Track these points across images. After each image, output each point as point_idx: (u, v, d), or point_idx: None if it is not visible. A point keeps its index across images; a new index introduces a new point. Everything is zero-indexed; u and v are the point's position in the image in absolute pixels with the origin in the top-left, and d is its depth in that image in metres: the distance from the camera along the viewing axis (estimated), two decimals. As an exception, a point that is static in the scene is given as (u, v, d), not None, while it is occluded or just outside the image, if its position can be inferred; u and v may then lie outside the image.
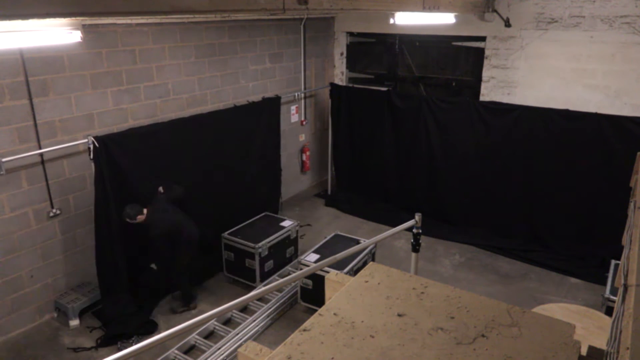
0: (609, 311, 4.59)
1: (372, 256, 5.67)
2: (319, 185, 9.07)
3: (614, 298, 4.67)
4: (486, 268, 6.38)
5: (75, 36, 2.89)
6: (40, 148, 4.70)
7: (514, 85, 6.93)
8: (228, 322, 5.24)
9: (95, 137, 5.03)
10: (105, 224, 5.07)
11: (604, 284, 5.21)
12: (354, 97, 7.96)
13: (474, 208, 7.15)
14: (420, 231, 4.23)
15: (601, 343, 1.89)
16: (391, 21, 5.45)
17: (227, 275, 5.98)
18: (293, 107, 8.10)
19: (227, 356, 4.65)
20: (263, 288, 3.04)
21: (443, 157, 7.24)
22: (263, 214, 6.48)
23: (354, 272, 5.20)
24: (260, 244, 5.64)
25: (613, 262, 5.33)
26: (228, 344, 4.77)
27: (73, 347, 4.78)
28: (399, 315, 2.01)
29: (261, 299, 5.39)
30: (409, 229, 4.22)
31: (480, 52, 7.17)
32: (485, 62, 7.11)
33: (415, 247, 4.26)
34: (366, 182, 8.20)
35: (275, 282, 3.74)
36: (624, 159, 5.55)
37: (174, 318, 5.31)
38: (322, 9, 3.48)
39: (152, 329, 5.09)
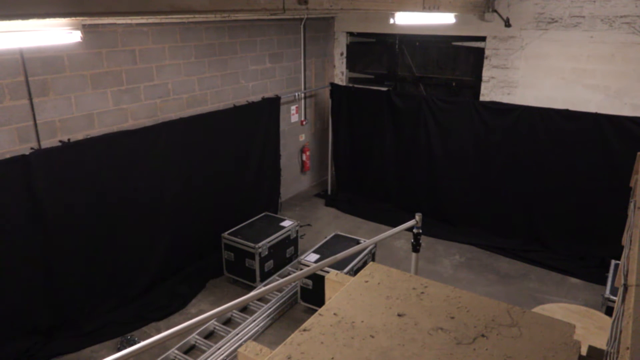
0: (609, 311, 4.59)
1: (372, 256, 5.67)
2: (319, 185, 9.07)
3: (614, 298, 4.67)
4: (486, 268, 6.38)
5: (75, 36, 2.90)
6: (40, 148, 4.70)
7: (514, 85, 6.93)
8: (228, 322, 5.24)
9: (96, 137, 5.06)
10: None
11: (604, 284, 5.21)
12: (354, 97, 7.96)
13: (474, 208, 7.15)
14: (421, 231, 4.23)
15: (601, 343, 1.89)
16: (391, 21, 5.45)
17: (227, 275, 5.98)
18: (293, 107, 8.11)
19: (227, 356, 4.65)
20: (263, 288, 3.04)
21: (443, 157, 7.24)
22: (263, 214, 6.49)
23: (354, 272, 5.20)
24: (260, 244, 5.64)
25: (613, 262, 5.33)
26: (228, 344, 4.77)
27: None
28: (399, 315, 2.01)
29: (261, 299, 5.39)
30: (409, 229, 4.22)
31: (480, 52, 7.17)
32: (485, 62, 7.12)
33: (416, 247, 4.26)
34: (366, 182, 8.20)
35: (275, 282, 3.74)
36: (624, 159, 5.56)
37: (174, 318, 5.32)
38: (322, 9, 3.48)
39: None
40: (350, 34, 8.62)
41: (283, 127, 7.74)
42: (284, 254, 6.09)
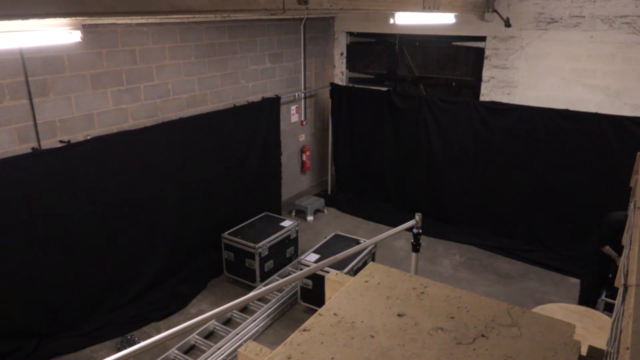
0: (607, 307, 4.62)
1: (372, 256, 5.67)
2: (319, 185, 9.07)
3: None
4: (486, 268, 6.38)
5: (75, 36, 2.89)
6: (40, 148, 4.70)
7: (514, 85, 6.93)
8: (228, 322, 5.24)
9: (96, 137, 5.06)
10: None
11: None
12: (354, 97, 7.96)
13: (474, 208, 7.15)
14: (421, 231, 4.23)
15: (601, 343, 1.89)
16: (391, 21, 5.45)
17: (227, 275, 5.98)
18: (293, 107, 8.10)
19: (227, 356, 4.65)
20: (263, 288, 3.04)
21: (443, 157, 7.24)
22: (263, 214, 6.49)
23: (354, 272, 5.20)
24: (260, 244, 5.64)
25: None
26: (228, 344, 4.77)
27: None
28: (399, 315, 2.01)
29: (261, 299, 5.39)
30: (409, 229, 4.22)
31: (480, 52, 7.17)
32: (485, 62, 7.11)
33: (416, 247, 4.26)
34: (366, 182, 8.20)
35: (276, 282, 3.75)
36: (624, 159, 5.55)
37: (174, 318, 5.32)
38: (322, 9, 3.48)
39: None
40: (350, 34, 8.62)
41: (283, 127, 7.73)
42: (284, 254, 6.09)
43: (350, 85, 8.53)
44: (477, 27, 7.04)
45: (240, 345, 4.34)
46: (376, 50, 8.53)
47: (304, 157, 8.59)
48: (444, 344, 1.83)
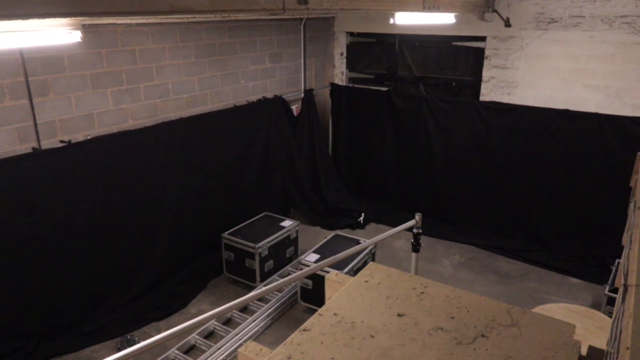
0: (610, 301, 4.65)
1: (372, 256, 5.67)
2: (319, 185, 9.05)
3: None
4: (486, 268, 6.38)
5: (75, 36, 2.89)
6: (40, 148, 4.70)
7: (514, 85, 6.93)
8: (228, 322, 5.24)
9: (96, 137, 5.06)
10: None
11: (604, 283, 5.20)
12: (354, 97, 7.96)
13: (474, 208, 7.15)
14: (421, 231, 4.23)
15: (601, 343, 1.89)
16: (391, 21, 5.45)
17: (227, 275, 5.98)
18: (293, 107, 8.09)
19: (227, 356, 4.65)
20: (263, 288, 3.04)
21: (443, 157, 7.24)
22: (263, 214, 6.48)
23: (354, 272, 5.20)
24: (260, 244, 5.64)
25: (617, 261, 5.32)
26: (228, 344, 4.77)
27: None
28: (399, 315, 2.01)
29: (261, 299, 5.39)
30: (409, 229, 4.22)
31: (480, 52, 7.16)
32: (485, 62, 7.11)
33: (416, 247, 4.26)
34: (366, 182, 8.20)
35: (276, 282, 3.75)
36: (624, 159, 5.56)
37: (174, 318, 5.32)
38: (322, 9, 3.48)
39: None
40: (350, 34, 8.61)
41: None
42: (284, 254, 6.09)
43: (350, 85, 8.53)
44: (477, 27, 7.04)
45: (240, 345, 4.34)
46: (376, 50, 8.52)
47: (304, 157, 8.56)
48: (444, 344, 1.83)
